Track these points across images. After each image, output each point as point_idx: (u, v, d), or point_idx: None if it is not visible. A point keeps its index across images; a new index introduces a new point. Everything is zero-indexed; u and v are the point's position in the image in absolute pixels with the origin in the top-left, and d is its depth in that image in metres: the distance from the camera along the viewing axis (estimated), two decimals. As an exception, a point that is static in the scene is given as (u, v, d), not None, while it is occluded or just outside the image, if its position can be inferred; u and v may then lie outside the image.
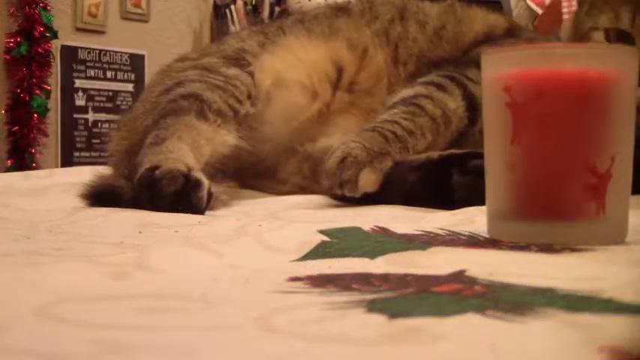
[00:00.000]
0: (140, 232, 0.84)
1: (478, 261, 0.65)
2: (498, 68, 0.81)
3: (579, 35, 1.30)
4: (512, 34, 1.59)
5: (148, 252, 0.61)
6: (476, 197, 1.08)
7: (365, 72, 1.58)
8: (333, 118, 1.56)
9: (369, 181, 1.18)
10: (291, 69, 1.56)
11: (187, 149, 1.26)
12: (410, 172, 1.23)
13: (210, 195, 1.12)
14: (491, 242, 0.77)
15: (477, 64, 1.42)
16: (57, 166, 4.05)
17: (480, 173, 1.12)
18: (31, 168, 3.81)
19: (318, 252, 0.68)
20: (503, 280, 0.55)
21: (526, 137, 0.76)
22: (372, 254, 0.66)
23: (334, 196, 1.36)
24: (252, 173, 1.56)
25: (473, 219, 0.97)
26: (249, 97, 1.52)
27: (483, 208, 1.02)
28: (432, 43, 1.58)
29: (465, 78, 1.40)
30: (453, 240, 0.79)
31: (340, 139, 1.51)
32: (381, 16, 1.64)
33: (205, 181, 1.11)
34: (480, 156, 1.15)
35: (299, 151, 1.55)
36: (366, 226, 0.84)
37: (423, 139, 1.29)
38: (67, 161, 4.25)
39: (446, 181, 1.19)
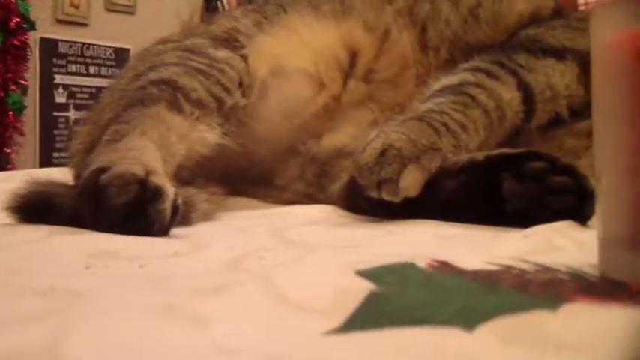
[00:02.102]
0: (87, 268, 0.57)
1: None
2: (625, 25, 0.54)
3: None
4: (561, 14, 1.33)
5: (80, 321, 0.34)
6: (535, 210, 0.89)
7: (386, 58, 1.31)
8: (345, 112, 1.29)
9: (414, 181, 0.92)
10: (294, 54, 1.29)
11: (152, 148, 0.98)
12: (448, 178, 0.97)
13: (176, 208, 0.84)
14: (621, 288, 0.51)
15: (527, 49, 1.17)
16: (35, 168, 3.77)
17: (539, 179, 0.90)
18: (5, 169, 3.53)
19: (370, 314, 0.41)
20: None
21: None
22: (465, 319, 0.39)
23: (347, 207, 1.10)
24: (244, 178, 1.28)
25: (553, 243, 0.72)
26: (240, 85, 1.25)
27: (555, 225, 0.79)
28: (467, 23, 1.31)
29: (516, 65, 1.17)
30: (554, 281, 0.54)
31: (353, 135, 1.25)
32: None
33: (169, 190, 0.83)
34: (541, 157, 0.92)
35: (301, 152, 1.28)
36: (418, 259, 0.58)
37: (476, 136, 1.05)
38: (47, 162, 3.97)
39: (495, 189, 0.93)
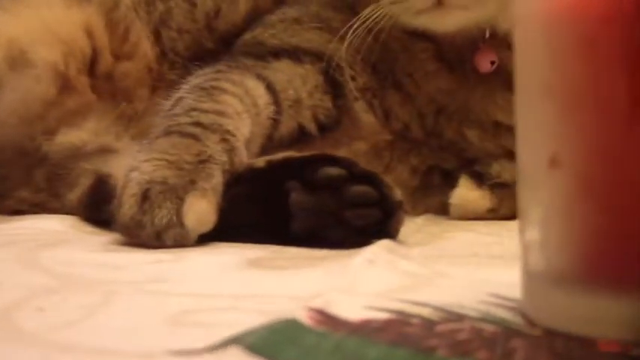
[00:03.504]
0: None
1: None
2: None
3: None
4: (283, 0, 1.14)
5: None
6: (328, 227, 0.74)
7: (127, 64, 1.09)
8: (86, 105, 1.06)
9: (202, 213, 0.72)
10: (39, 40, 1.03)
11: None
12: (224, 190, 0.77)
13: None
14: (583, 347, 0.38)
15: (252, 55, 1.01)
16: None
17: (335, 188, 0.74)
18: None
19: None
20: None
21: None
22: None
23: (91, 218, 0.91)
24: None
25: (409, 271, 0.59)
26: None
27: (382, 245, 0.68)
28: (204, 39, 1.12)
29: (244, 65, 0.98)
30: (488, 338, 0.40)
31: (93, 131, 1.03)
32: None
33: None
34: (336, 161, 0.76)
35: (29, 151, 1.03)
36: (293, 311, 0.41)
37: (240, 119, 0.84)
38: None
39: (279, 201, 0.75)
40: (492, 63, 0.98)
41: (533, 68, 0.43)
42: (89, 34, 1.07)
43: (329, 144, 0.97)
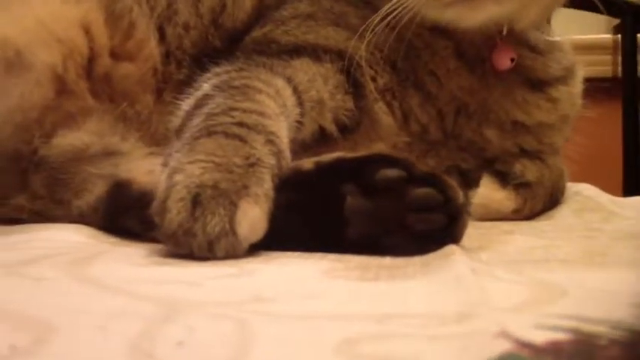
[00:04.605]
0: None
1: None
2: None
3: None
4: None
5: None
6: (388, 234, 0.68)
7: (129, 65, 1.03)
8: (85, 104, 1.00)
9: (255, 221, 0.65)
10: (35, 39, 0.95)
11: None
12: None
13: None
14: None
15: (266, 54, 0.96)
16: None
17: (394, 191, 0.68)
18: None
19: None
20: None
21: None
22: None
23: (107, 226, 0.86)
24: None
25: (512, 279, 0.58)
26: None
27: (457, 249, 0.64)
28: (210, 36, 1.06)
29: (263, 63, 0.93)
30: None
31: (95, 132, 0.97)
32: None
33: None
34: (394, 162, 0.69)
35: (24, 155, 0.95)
36: (496, 341, 0.39)
37: (278, 121, 0.78)
38: None
39: (329, 205, 0.69)
40: (512, 60, 0.97)
41: None
42: (87, 31, 1.00)
43: (349, 145, 0.93)
